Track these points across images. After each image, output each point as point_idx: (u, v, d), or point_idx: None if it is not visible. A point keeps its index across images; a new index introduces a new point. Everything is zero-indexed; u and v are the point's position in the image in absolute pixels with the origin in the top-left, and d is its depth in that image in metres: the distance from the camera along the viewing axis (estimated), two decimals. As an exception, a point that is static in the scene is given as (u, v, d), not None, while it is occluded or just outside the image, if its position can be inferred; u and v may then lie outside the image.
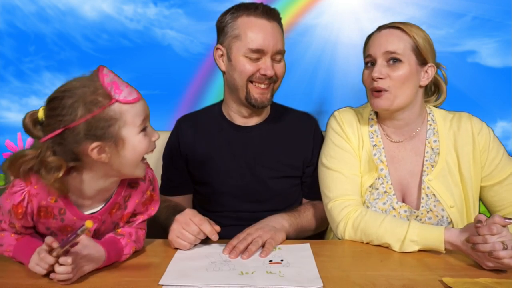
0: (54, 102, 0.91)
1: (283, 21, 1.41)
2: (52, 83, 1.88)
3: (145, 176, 1.07)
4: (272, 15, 1.35)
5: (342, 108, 1.37)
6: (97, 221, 1.03)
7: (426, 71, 1.22)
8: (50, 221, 1.01)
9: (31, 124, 0.93)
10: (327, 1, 1.86)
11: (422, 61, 1.21)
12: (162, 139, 1.55)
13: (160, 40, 1.89)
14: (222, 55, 1.40)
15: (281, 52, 1.38)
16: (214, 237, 1.13)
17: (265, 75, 1.34)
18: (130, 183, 1.06)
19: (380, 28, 1.24)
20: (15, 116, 1.93)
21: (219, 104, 1.51)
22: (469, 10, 1.85)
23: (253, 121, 1.46)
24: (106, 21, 1.87)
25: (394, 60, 1.19)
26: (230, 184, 1.41)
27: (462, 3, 1.85)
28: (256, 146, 1.43)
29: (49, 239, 0.93)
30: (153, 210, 1.12)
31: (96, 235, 1.07)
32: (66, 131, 0.90)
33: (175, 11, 1.87)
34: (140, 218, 1.12)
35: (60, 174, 0.92)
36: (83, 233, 0.90)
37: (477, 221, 1.01)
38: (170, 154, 1.49)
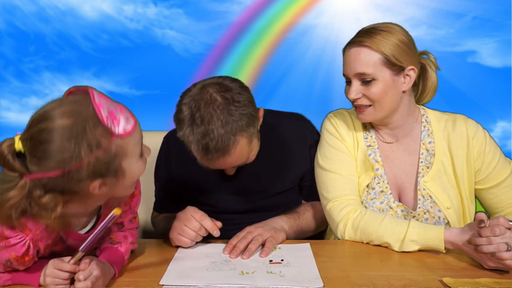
0: (46, 143, 0.79)
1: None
2: (52, 83, 1.88)
3: None
4: (211, 149, 1.11)
5: (336, 110, 1.38)
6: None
7: (406, 75, 1.19)
8: (54, 248, 0.97)
9: (11, 157, 0.80)
10: (327, 1, 1.86)
11: (398, 69, 1.18)
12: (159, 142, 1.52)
13: (160, 40, 1.89)
14: None
15: (236, 166, 1.22)
16: (216, 232, 1.12)
17: None
18: None
19: (350, 44, 1.21)
20: (15, 116, 1.93)
21: None
22: (469, 10, 1.85)
23: None
24: (106, 21, 1.87)
25: (366, 80, 1.18)
26: (225, 206, 1.35)
27: (462, 3, 1.85)
28: (248, 169, 1.32)
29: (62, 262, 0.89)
30: (135, 205, 1.09)
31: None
32: (66, 173, 0.80)
33: (175, 11, 1.87)
34: (126, 219, 1.08)
35: (59, 211, 0.83)
36: (112, 222, 0.87)
37: (480, 221, 1.00)
38: (160, 175, 1.43)
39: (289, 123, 1.41)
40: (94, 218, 0.99)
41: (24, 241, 0.87)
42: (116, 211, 0.86)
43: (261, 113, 1.22)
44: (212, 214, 1.27)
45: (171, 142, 1.39)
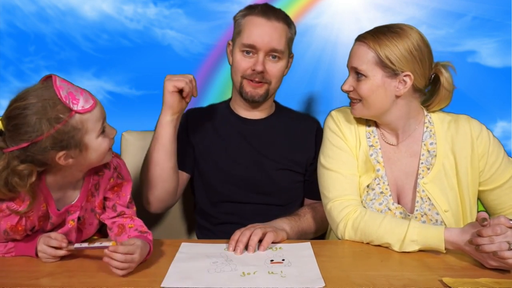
0: (15, 119, 0.95)
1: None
2: (52, 83, 1.87)
3: (110, 164, 1.14)
4: (272, 14, 1.40)
5: (339, 107, 1.38)
6: (78, 209, 1.10)
7: (401, 81, 1.19)
8: (46, 224, 1.09)
9: None
10: (327, 1, 1.86)
11: (391, 72, 1.18)
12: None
13: (160, 40, 1.89)
14: (231, 50, 1.47)
15: (277, 51, 1.40)
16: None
17: (254, 70, 1.39)
18: (97, 172, 1.12)
19: (357, 38, 1.24)
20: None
21: (227, 100, 1.57)
22: (469, 10, 1.85)
23: (259, 115, 1.51)
24: (106, 21, 1.87)
25: (359, 74, 1.21)
26: (235, 174, 1.44)
27: (462, 3, 1.85)
28: (262, 139, 1.48)
29: (59, 237, 1.04)
30: (125, 196, 1.18)
31: (81, 222, 1.14)
32: (32, 144, 0.95)
33: (175, 11, 1.87)
34: (118, 204, 1.17)
35: (33, 179, 0.97)
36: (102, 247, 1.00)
37: (482, 219, 1.00)
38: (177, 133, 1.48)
39: (301, 114, 1.63)
40: (78, 194, 1.11)
41: (16, 211, 1.01)
42: (113, 243, 0.99)
43: (292, 57, 1.51)
44: (222, 183, 1.45)
45: (189, 115, 1.52)
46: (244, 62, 1.41)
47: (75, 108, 0.97)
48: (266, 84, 1.43)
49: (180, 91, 1.30)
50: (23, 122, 0.94)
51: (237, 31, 1.43)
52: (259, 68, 1.39)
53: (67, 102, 0.96)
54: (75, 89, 1.00)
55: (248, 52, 1.40)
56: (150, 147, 1.37)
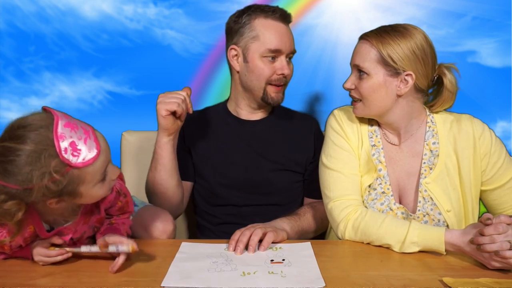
0: (6, 163, 0.86)
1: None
2: (52, 83, 1.87)
3: (112, 188, 1.04)
4: (287, 18, 1.45)
5: (342, 106, 1.37)
6: (71, 232, 1.04)
7: (403, 80, 1.19)
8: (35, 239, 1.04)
9: None
10: (327, 1, 1.86)
11: (393, 71, 1.18)
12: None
13: (160, 40, 1.89)
14: (236, 56, 1.44)
15: (294, 52, 1.46)
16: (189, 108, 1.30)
17: (282, 74, 1.42)
18: None
19: (361, 36, 1.25)
20: (15, 116, 1.93)
21: (224, 102, 1.56)
22: (469, 10, 1.85)
23: (258, 115, 1.51)
24: (106, 21, 1.87)
25: (361, 72, 1.21)
26: (233, 177, 1.44)
27: (462, 3, 1.85)
28: (260, 139, 1.48)
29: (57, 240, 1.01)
30: (128, 209, 1.15)
31: (77, 240, 1.09)
32: (21, 189, 0.87)
33: (175, 11, 1.87)
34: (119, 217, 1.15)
35: (20, 215, 0.90)
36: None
37: (487, 218, 1.00)
38: None
39: (300, 114, 1.61)
40: (78, 214, 1.03)
41: (0, 233, 0.97)
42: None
43: None
44: (221, 186, 1.44)
45: (185, 122, 1.46)
46: (269, 68, 1.42)
47: (73, 162, 0.87)
48: (284, 86, 1.47)
49: (174, 112, 1.29)
50: (14, 169, 0.85)
51: (251, 36, 1.41)
52: (287, 71, 1.43)
53: (66, 156, 0.86)
54: (79, 135, 0.89)
55: (272, 58, 1.41)
56: (151, 167, 1.38)
